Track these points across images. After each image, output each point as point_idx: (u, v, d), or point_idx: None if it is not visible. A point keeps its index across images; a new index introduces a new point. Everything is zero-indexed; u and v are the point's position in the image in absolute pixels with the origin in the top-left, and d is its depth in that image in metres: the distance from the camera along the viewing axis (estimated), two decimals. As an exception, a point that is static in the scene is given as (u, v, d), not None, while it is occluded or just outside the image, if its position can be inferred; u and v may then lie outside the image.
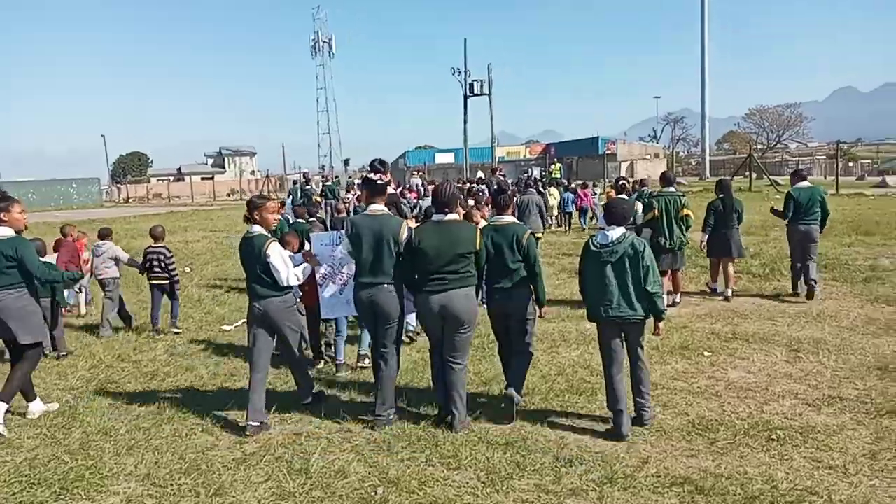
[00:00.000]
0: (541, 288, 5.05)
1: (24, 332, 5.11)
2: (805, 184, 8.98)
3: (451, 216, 4.85)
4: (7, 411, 5.13)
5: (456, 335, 4.76)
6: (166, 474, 4.29)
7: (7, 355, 5.61)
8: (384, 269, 4.78)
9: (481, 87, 38.29)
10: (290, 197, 19.68)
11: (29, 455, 4.67)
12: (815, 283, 8.59)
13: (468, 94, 38.94)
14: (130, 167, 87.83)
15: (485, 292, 5.30)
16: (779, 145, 70.20)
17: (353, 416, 5.13)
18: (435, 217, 4.95)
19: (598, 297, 4.67)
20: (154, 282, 8.18)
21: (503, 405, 5.02)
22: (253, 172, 79.52)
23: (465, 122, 40.44)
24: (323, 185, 22.30)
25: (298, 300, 5.86)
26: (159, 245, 8.20)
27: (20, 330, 5.09)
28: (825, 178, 39.27)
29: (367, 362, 6.16)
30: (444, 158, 65.86)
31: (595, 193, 19.50)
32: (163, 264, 8.12)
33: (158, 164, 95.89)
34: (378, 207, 4.94)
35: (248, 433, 4.82)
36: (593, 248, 4.70)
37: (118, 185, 64.05)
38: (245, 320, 7.32)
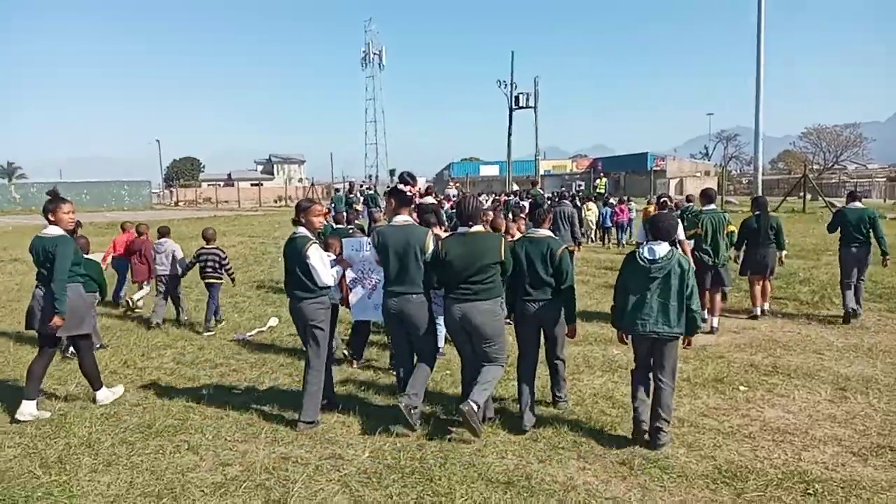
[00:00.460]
0: (571, 305, 5.11)
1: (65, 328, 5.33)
2: (857, 204, 8.78)
3: (475, 228, 4.90)
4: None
5: (485, 348, 4.81)
6: (137, 497, 4.01)
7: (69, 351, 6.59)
8: (412, 279, 4.89)
9: (527, 99, 38.07)
10: (334, 204, 19.72)
11: (3, 466, 4.46)
12: (855, 310, 8.37)
13: (514, 106, 38.71)
14: (183, 172, 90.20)
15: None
16: (836, 166, 67.64)
17: (349, 441, 4.80)
18: (460, 229, 4.96)
19: (636, 311, 4.64)
20: (208, 281, 8.53)
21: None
22: (301, 180, 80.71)
23: (510, 134, 40.16)
24: (364, 194, 22.49)
25: (339, 300, 5.89)
26: (212, 246, 8.62)
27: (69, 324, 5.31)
28: (885, 201, 37.52)
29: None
30: (488, 171, 65.60)
31: (632, 209, 18.99)
32: (217, 264, 8.55)
33: (211, 169, 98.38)
34: (404, 218, 5.09)
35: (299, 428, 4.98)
36: (640, 262, 4.66)
37: (170, 189, 65.67)
38: (260, 329, 7.43)
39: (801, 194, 29.71)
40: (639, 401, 4.76)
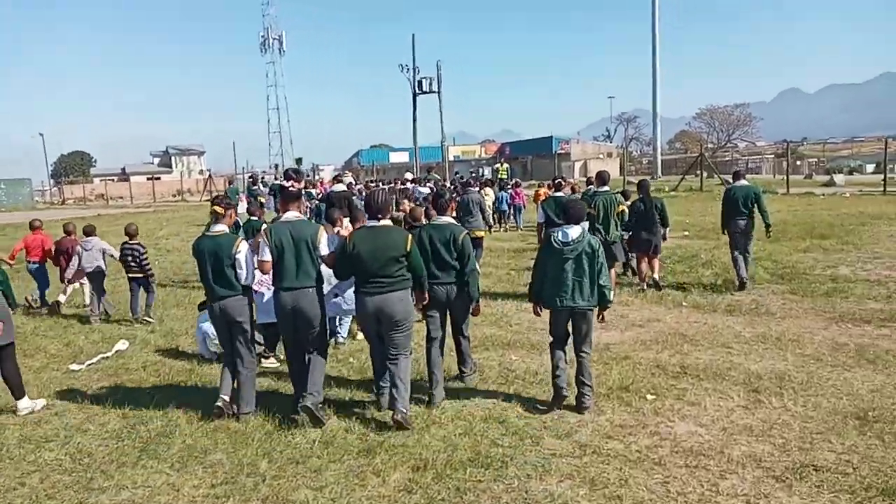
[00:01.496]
0: (474, 285, 5.41)
1: None
2: (743, 182, 9.53)
3: (383, 222, 5.01)
4: None
5: (394, 333, 4.94)
6: None
7: None
8: (306, 273, 4.93)
9: (430, 84, 36.97)
10: (228, 196, 18.93)
11: None
12: (744, 280, 9.04)
13: (417, 91, 37.59)
14: (73, 167, 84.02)
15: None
16: (728, 145, 70.76)
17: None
18: (368, 223, 5.06)
19: (555, 288, 5.03)
20: (131, 275, 8.69)
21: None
22: (201, 172, 76.78)
23: (415, 120, 38.93)
24: (271, 186, 21.25)
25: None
26: (134, 242, 8.68)
27: None
28: (774, 176, 39.22)
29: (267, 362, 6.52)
30: (398, 158, 64.51)
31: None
32: (137, 260, 8.62)
33: (104, 163, 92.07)
34: (293, 214, 5.15)
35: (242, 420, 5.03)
36: (555, 244, 5.03)
37: (58, 186, 61.00)
38: (104, 355, 6.77)
39: (698, 172, 30.43)
40: (560, 370, 5.09)
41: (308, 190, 16.07)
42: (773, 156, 56.99)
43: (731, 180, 10.27)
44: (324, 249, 5.00)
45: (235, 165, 54.85)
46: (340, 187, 12.36)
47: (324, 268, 5.13)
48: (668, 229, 9.61)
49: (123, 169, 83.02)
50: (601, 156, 63.35)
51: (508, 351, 6.70)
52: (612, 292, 5.10)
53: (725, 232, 9.37)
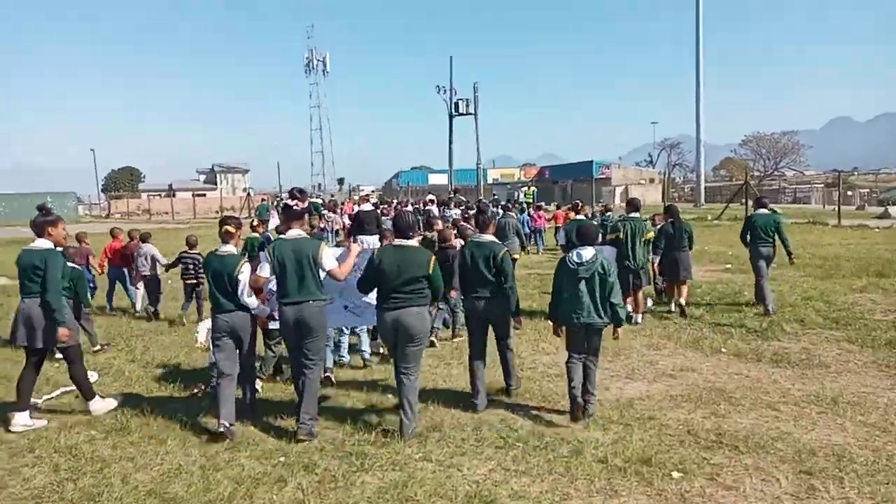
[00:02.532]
0: (514, 300, 5.75)
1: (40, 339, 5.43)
2: (764, 211, 9.64)
3: (410, 242, 5.25)
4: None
5: (408, 347, 5.12)
6: None
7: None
8: (308, 288, 5.05)
9: (467, 106, 36.53)
10: (259, 213, 20.42)
11: None
12: (770, 305, 9.08)
13: (454, 113, 37.19)
14: (122, 182, 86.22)
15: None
16: (776, 173, 68.42)
17: None
18: (396, 241, 5.29)
19: (570, 306, 5.30)
20: (188, 281, 9.58)
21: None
22: (245, 190, 77.85)
23: (451, 142, 38.65)
24: (309, 203, 22.31)
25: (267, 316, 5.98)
26: (194, 251, 9.59)
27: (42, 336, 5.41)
28: (824, 206, 37.42)
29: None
30: (437, 179, 64.15)
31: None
32: (194, 268, 9.45)
33: (152, 180, 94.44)
34: (296, 232, 5.27)
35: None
36: (570, 265, 5.32)
37: (108, 201, 62.51)
38: (65, 389, 6.41)
39: (744, 201, 29.04)
40: (575, 382, 5.31)
41: (323, 211, 16.55)
42: (822, 185, 54.73)
43: (776, 210, 10.38)
44: (328, 264, 5.12)
45: (280, 184, 55.16)
46: (368, 207, 13.54)
47: (333, 281, 5.29)
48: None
49: (170, 185, 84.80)
50: (642, 181, 61.85)
51: (513, 406, 5.83)
52: (624, 310, 5.41)
53: (749, 260, 9.57)
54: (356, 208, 14.58)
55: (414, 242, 5.31)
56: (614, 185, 56.38)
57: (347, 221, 16.11)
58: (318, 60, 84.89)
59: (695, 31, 42.10)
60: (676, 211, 9.82)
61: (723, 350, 7.49)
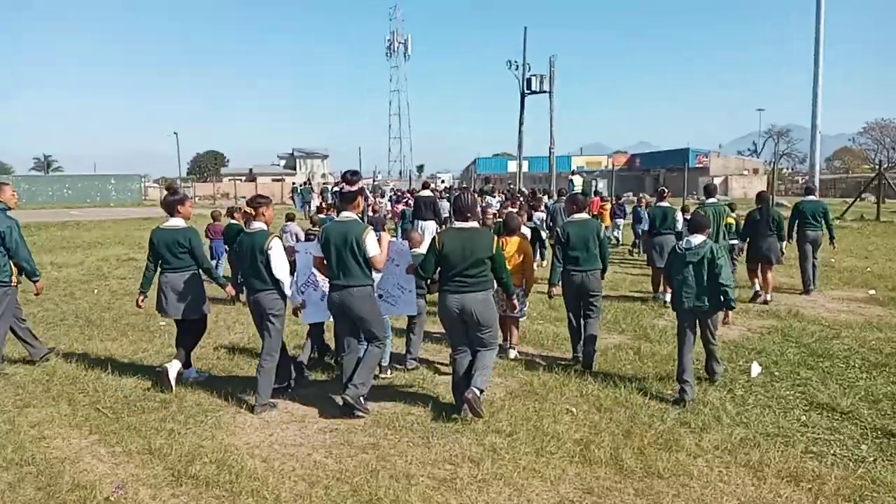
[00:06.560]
0: (606, 266, 6.49)
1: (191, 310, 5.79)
2: (812, 197, 10.21)
3: (471, 223, 5.16)
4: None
5: (479, 334, 5.10)
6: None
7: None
8: (350, 272, 5.04)
9: (540, 83, 32.85)
10: (300, 196, 21.02)
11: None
12: (810, 286, 9.70)
13: (525, 90, 33.87)
14: (206, 166, 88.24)
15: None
16: (901, 164, 61.49)
17: None
18: (457, 224, 5.23)
19: (680, 289, 5.50)
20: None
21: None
22: (324, 175, 77.81)
23: (521, 122, 35.19)
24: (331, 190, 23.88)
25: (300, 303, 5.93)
26: (313, 229, 9.55)
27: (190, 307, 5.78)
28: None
29: (388, 373, 6.16)
30: (516, 166, 61.64)
31: (622, 205, 18.65)
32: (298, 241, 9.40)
33: (235, 163, 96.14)
34: (347, 214, 5.22)
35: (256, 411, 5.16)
36: (679, 250, 5.59)
37: (186, 185, 63.61)
38: None
39: (876, 198, 24.82)
40: (686, 368, 5.37)
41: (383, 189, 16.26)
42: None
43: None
44: (371, 250, 5.03)
45: (361, 169, 54.16)
46: (426, 192, 14.25)
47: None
48: (784, 243, 9.63)
49: (250, 170, 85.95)
50: (745, 171, 57.03)
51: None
52: (733, 292, 5.42)
53: (795, 243, 9.96)
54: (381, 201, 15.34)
55: (475, 224, 5.19)
56: (712, 175, 51.83)
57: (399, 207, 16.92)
58: (400, 43, 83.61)
59: (815, 15, 37.31)
60: (767, 198, 9.92)
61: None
